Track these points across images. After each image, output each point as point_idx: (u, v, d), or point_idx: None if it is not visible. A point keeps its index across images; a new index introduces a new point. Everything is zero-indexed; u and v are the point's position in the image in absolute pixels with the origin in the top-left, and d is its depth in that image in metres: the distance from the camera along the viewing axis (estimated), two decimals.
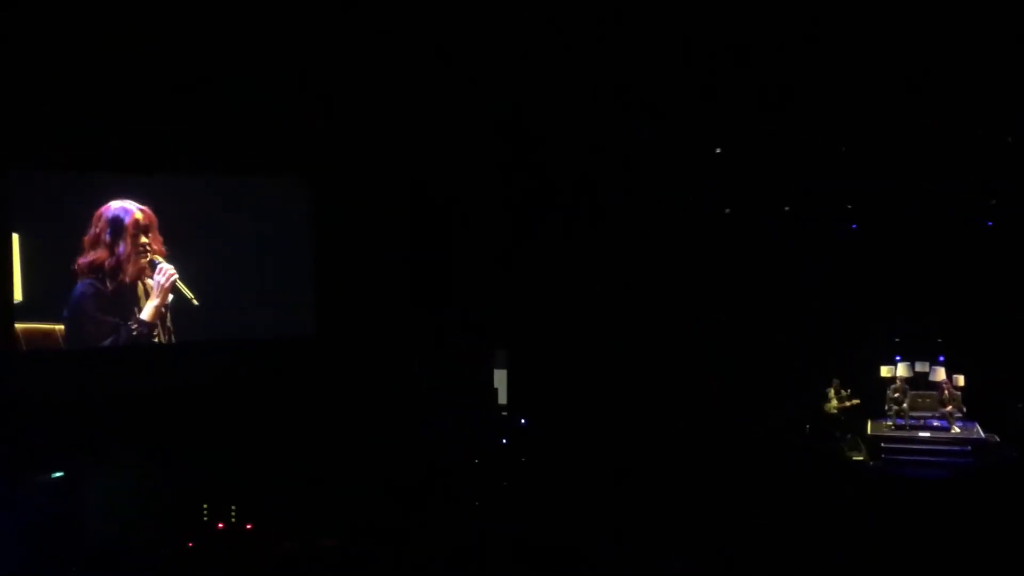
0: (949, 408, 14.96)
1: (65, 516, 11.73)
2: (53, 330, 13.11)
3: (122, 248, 13.55)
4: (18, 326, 12.93)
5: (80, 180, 13.35)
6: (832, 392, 15.43)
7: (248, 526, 12.33)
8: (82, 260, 13.32)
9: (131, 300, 13.72)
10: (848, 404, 15.33)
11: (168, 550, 11.60)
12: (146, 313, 13.77)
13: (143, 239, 13.72)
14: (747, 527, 10.84)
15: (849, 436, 15.17)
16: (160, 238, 13.82)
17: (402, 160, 15.05)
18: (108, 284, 13.49)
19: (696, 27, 13.69)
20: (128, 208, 13.60)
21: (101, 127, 12.82)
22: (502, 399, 15.93)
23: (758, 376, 15.78)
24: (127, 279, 13.66)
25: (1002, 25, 12.95)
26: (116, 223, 13.55)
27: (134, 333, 13.68)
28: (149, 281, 13.80)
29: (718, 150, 15.55)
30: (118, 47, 12.45)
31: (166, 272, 13.80)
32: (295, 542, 11.42)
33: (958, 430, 14.84)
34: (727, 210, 16.17)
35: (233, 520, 12.44)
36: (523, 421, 15.46)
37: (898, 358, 15.56)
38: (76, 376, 13.00)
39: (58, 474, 11.99)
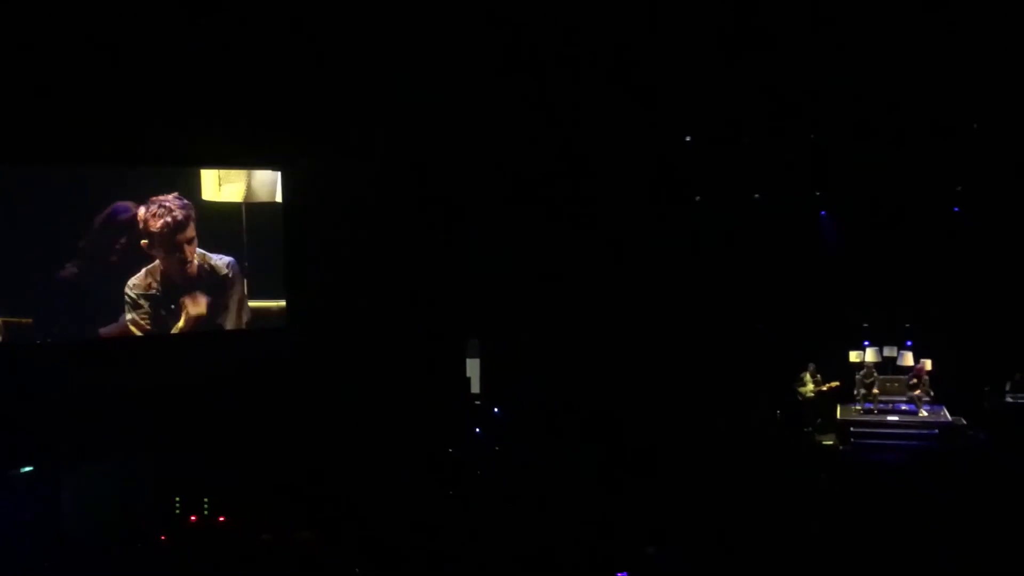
0: (917, 392, 15.34)
1: (35, 510, 11.68)
2: (21, 323, 13.02)
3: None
4: None
5: (49, 173, 13.28)
6: (808, 376, 15.72)
7: (221, 519, 12.35)
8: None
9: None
10: (826, 387, 15.64)
11: (141, 543, 11.52)
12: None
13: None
14: (719, 512, 10.97)
15: (820, 421, 15.53)
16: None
17: (373, 150, 15.08)
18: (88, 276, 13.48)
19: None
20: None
21: (80, 120, 12.79)
22: (475, 389, 16.07)
23: (731, 363, 15.97)
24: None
25: (968, 12, 13.22)
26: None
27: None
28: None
29: (688, 138, 15.76)
30: (97, 44, 12.46)
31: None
32: (271, 535, 11.27)
33: (926, 414, 15.25)
34: (697, 198, 16.40)
35: (206, 513, 12.44)
36: (496, 410, 15.57)
37: (867, 343, 15.94)
38: (45, 369, 12.90)
39: (27, 469, 11.96)
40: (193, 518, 12.39)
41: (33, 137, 12.49)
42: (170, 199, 13.74)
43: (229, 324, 14.40)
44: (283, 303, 14.77)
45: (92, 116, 12.73)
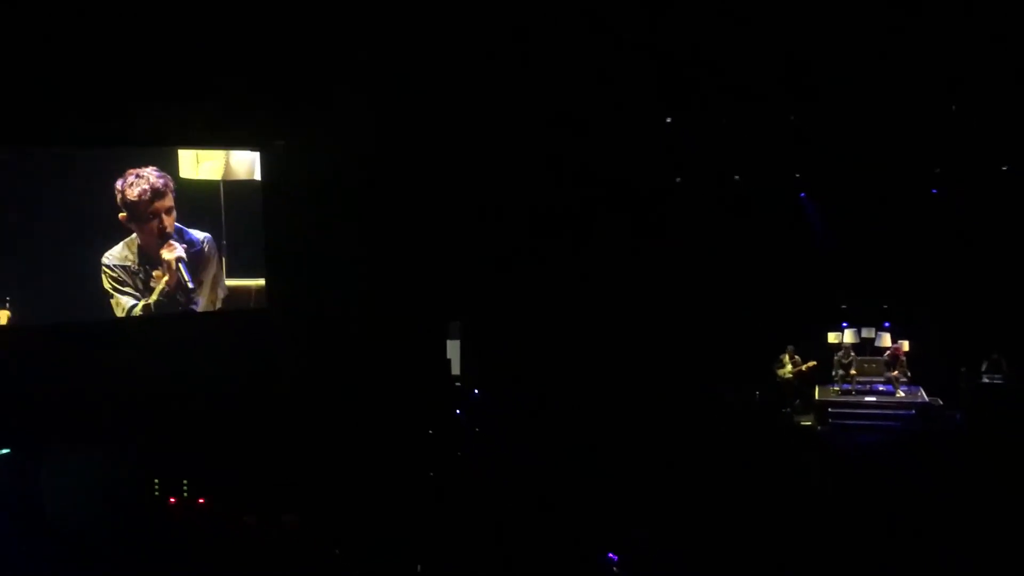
0: (894, 373, 15.54)
1: (11, 493, 11.58)
2: None
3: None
4: None
5: (25, 154, 13.24)
6: (787, 358, 15.93)
7: (200, 500, 12.32)
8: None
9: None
10: (804, 368, 15.82)
11: (119, 526, 11.34)
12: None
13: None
14: (699, 493, 11.06)
15: (798, 402, 15.72)
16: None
17: (353, 129, 14.99)
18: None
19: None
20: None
21: (56, 101, 12.70)
22: (455, 370, 16.13)
23: (711, 345, 16.07)
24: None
25: None
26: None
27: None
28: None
29: (668, 119, 15.82)
30: (73, 23, 12.38)
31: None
32: (253, 517, 11.22)
33: (903, 394, 15.45)
34: (677, 179, 16.50)
35: (185, 495, 12.28)
36: (476, 392, 15.62)
37: (845, 324, 16.11)
38: (20, 352, 12.87)
39: (3, 451, 11.95)
40: (172, 500, 12.25)
41: (5, 119, 12.41)
42: (147, 170, 13.75)
43: (203, 300, 14.41)
44: (261, 282, 14.81)
45: (68, 97, 12.66)
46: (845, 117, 15.06)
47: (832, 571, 8.75)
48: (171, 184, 13.88)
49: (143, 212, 13.71)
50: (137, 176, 13.65)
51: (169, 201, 13.87)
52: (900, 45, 13.96)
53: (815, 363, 15.87)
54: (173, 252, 13.92)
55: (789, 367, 15.89)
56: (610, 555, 9.37)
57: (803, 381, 15.95)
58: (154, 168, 13.79)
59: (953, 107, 14.81)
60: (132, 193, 13.63)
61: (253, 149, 14.66)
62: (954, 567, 8.47)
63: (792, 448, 13.44)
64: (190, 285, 14.06)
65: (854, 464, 12.68)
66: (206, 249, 14.37)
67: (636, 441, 12.79)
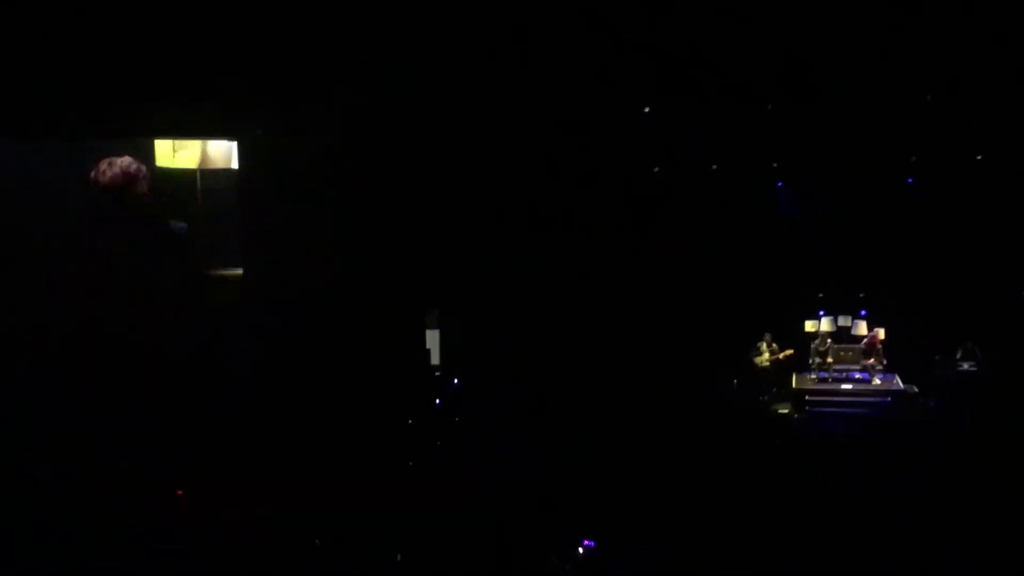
0: (871, 361, 15.74)
1: None
2: None
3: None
4: None
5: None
6: (764, 346, 16.11)
7: (178, 492, 12.44)
8: None
9: None
10: (781, 356, 16.04)
11: (94, 518, 11.63)
12: None
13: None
14: (675, 482, 11.14)
15: (775, 390, 15.91)
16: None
17: (333, 115, 14.72)
18: None
19: None
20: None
21: (25, 93, 12.56)
22: (435, 360, 16.06)
23: (687, 332, 16.07)
24: None
25: None
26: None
27: None
28: None
29: (647, 109, 15.84)
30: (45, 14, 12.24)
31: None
32: (232, 510, 11.54)
33: (879, 382, 15.70)
34: (656, 169, 16.50)
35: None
36: (456, 381, 15.63)
37: (822, 313, 16.34)
38: None
39: None
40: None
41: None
42: (120, 158, 13.60)
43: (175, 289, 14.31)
44: (238, 271, 14.69)
45: (39, 89, 12.23)
46: (822, 106, 14.96)
47: (808, 563, 8.54)
48: (145, 170, 13.70)
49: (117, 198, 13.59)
50: (109, 164, 13.50)
51: (143, 187, 13.71)
52: (877, 32, 13.64)
53: (792, 352, 16.02)
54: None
55: (766, 355, 16.04)
56: (586, 542, 9.21)
57: (780, 369, 16.10)
58: (128, 156, 13.66)
59: (928, 97, 14.87)
60: (104, 179, 13.46)
61: (230, 139, 14.50)
62: (929, 559, 8.47)
63: (768, 437, 13.57)
64: None
65: (828, 453, 12.84)
66: (181, 239, 14.23)
67: (614, 430, 12.75)
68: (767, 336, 16.21)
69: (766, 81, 14.90)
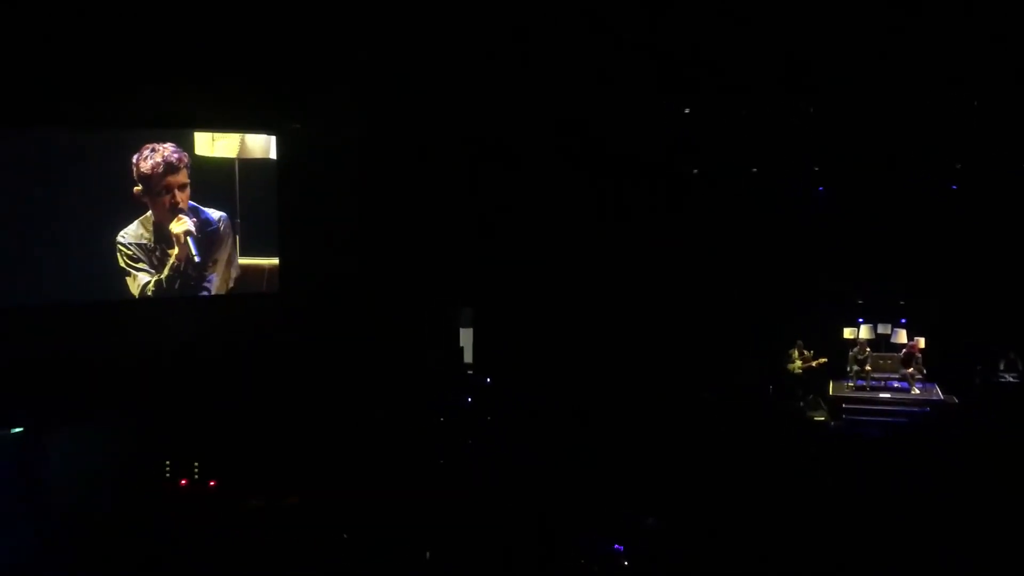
0: (910, 370, 15.59)
1: (26, 473, 11.80)
2: None
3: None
4: None
5: (43, 136, 13.43)
6: (795, 353, 15.98)
7: (212, 483, 12.55)
8: None
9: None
10: (814, 363, 15.87)
11: (131, 507, 11.74)
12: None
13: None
14: (713, 487, 10.95)
15: (811, 397, 15.77)
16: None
17: (364, 114, 15.12)
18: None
19: None
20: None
21: (74, 83, 12.83)
22: (467, 358, 16.22)
23: (722, 337, 16.17)
24: None
25: None
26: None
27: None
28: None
29: (687, 110, 15.84)
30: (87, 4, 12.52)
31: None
32: (260, 499, 11.60)
33: (918, 392, 15.51)
34: (695, 171, 16.54)
35: (196, 477, 12.64)
36: (488, 380, 15.70)
37: (861, 320, 16.16)
38: (37, 331, 13.06)
39: (17, 430, 12.03)
40: (184, 482, 12.60)
41: (23, 100, 12.62)
42: (164, 145, 13.98)
43: (217, 279, 14.58)
44: (275, 260, 14.96)
45: (86, 79, 12.81)
46: (865, 109, 15.06)
47: (834, 568, 8.85)
48: (186, 160, 14.07)
49: (156, 186, 13.87)
50: (152, 150, 13.85)
51: (183, 177, 14.05)
52: (923, 37, 13.90)
53: (825, 360, 15.93)
54: (183, 225, 14.07)
55: (798, 363, 15.97)
56: (616, 546, 9.53)
57: (812, 376, 16.00)
58: (172, 144, 13.99)
59: (975, 102, 14.83)
60: (146, 166, 13.80)
61: (269, 133, 14.76)
62: (957, 568, 8.57)
63: (804, 443, 13.51)
64: (196, 259, 14.19)
65: (862, 460, 12.76)
66: (221, 228, 14.51)
67: (648, 435, 12.82)
68: (799, 343, 16.08)
69: (809, 81, 15.04)
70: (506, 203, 16.07)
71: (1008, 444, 12.15)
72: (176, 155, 14.00)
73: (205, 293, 14.53)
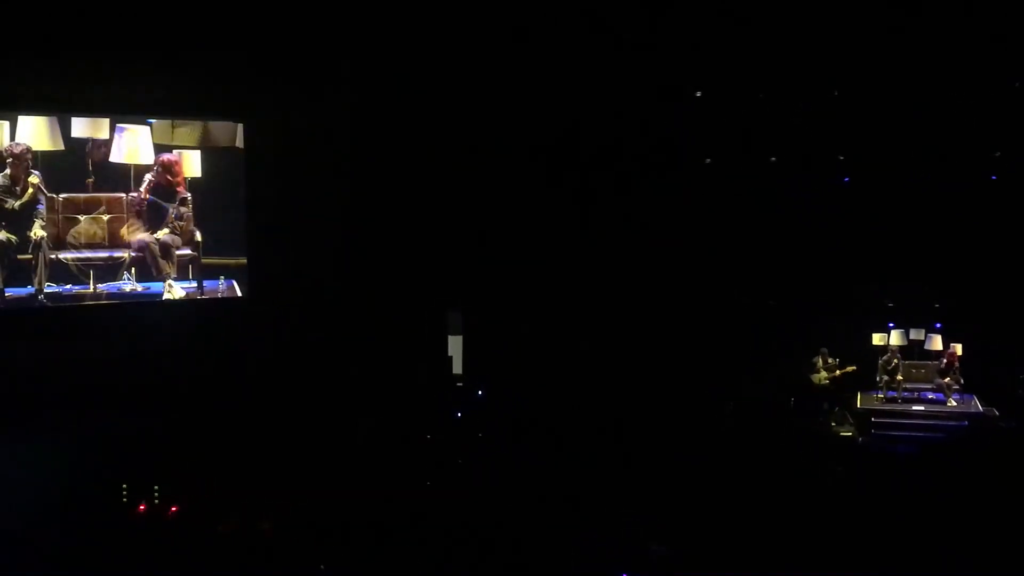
0: (947, 380, 15.08)
1: None
2: None
3: None
4: None
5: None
6: (820, 362, 15.59)
7: (173, 508, 11.88)
8: None
9: None
10: (839, 373, 15.49)
11: (81, 534, 11.05)
12: None
13: None
14: (728, 508, 10.79)
15: (836, 409, 15.28)
16: None
17: (343, 111, 14.98)
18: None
19: None
20: None
21: (29, 70, 12.93)
22: (457, 368, 15.91)
23: (737, 344, 15.81)
24: None
25: None
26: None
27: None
28: None
29: (698, 94, 15.48)
30: None
31: None
32: (228, 524, 11.01)
33: (954, 403, 15.04)
34: (708, 160, 16.15)
35: (156, 502, 12.03)
36: (480, 393, 15.40)
37: (891, 325, 15.70)
38: None
39: None
40: (142, 507, 11.94)
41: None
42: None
43: (173, 274, 14.45)
44: (242, 260, 14.81)
45: (43, 66, 12.81)
46: (895, 93, 14.75)
47: None
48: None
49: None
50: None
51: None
52: (959, 18, 13.71)
53: (852, 368, 15.50)
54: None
55: (824, 373, 15.57)
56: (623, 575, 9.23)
57: (838, 387, 15.58)
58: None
59: (1017, 84, 14.41)
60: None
61: (235, 120, 14.61)
62: None
63: (829, 462, 13.26)
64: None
65: (894, 480, 12.51)
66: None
67: (656, 452, 12.47)
68: (823, 351, 15.68)
69: (834, 63, 14.72)
70: (497, 198, 15.73)
71: None
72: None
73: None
